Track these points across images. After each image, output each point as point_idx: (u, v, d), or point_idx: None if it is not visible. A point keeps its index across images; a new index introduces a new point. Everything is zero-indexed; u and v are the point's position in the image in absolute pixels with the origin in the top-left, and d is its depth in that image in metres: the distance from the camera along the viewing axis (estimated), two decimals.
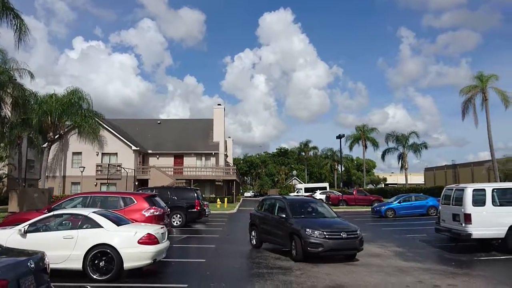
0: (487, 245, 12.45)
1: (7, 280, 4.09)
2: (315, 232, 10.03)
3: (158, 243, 8.55)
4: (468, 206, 11.76)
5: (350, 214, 27.66)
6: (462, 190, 12.23)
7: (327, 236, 10.01)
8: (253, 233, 13.15)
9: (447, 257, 11.43)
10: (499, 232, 11.61)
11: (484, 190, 12.00)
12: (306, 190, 59.69)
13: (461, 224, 11.91)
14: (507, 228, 11.54)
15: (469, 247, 12.66)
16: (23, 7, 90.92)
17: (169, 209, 15.13)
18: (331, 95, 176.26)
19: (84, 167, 39.18)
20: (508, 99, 36.29)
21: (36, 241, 8.03)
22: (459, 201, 12.17)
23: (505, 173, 42.12)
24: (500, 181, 35.54)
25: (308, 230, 10.10)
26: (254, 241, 12.95)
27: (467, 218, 11.68)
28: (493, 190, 12.03)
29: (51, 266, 5.55)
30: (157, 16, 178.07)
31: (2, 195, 39.77)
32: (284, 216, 11.28)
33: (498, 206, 11.84)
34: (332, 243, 10.04)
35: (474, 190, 12.00)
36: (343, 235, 10.22)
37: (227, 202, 38.08)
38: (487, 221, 11.60)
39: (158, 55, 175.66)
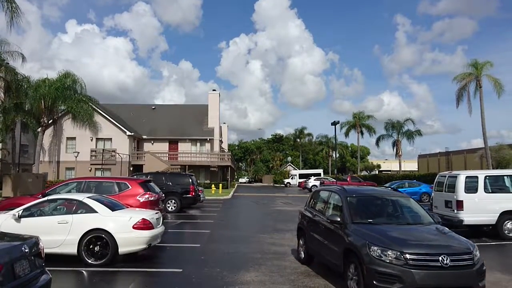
0: (478, 231, 12.63)
1: (1, 264, 4.09)
2: (388, 253, 5.71)
3: (153, 228, 8.59)
4: (461, 193, 11.91)
5: None
6: (455, 177, 12.37)
7: (410, 262, 5.59)
8: (301, 241, 9.01)
9: None
10: (491, 218, 11.80)
11: (476, 177, 12.14)
12: (301, 176, 59.97)
13: (453, 210, 12.07)
14: (498, 214, 11.73)
15: (461, 233, 12.79)
16: None
17: (163, 195, 15.17)
18: (327, 81, 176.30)
19: (78, 152, 39.04)
20: (502, 87, 36.35)
21: (30, 226, 8.04)
22: (452, 188, 12.33)
23: (497, 161, 42.46)
24: (493, 169, 35.88)
25: (374, 248, 5.82)
26: (301, 254, 8.83)
27: (459, 204, 11.84)
28: (485, 177, 12.18)
29: (46, 251, 5.55)
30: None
31: None
32: (338, 219, 6.94)
33: (490, 193, 12.03)
34: (421, 276, 5.52)
35: (466, 177, 12.15)
36: (444, 261, 5.62)
37: (222, 188, 38.22)
38: (478, 208, 11.77)
39: (153, 39, 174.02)
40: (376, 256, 5.75)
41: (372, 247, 5.85)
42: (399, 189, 26.96)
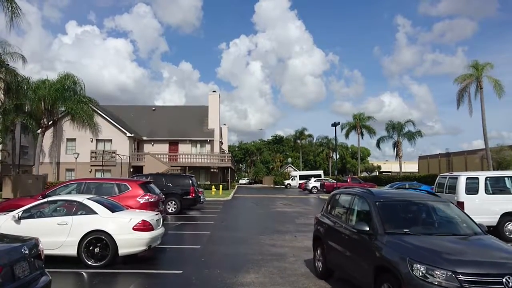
0: None
1: (1, 266, 4.08)
2: (436, 273, 4.58)
3: (153, 229, 8.57)
4: (461, 194, 11.90)
5: None
6: (456, 178, 12.36)
7: (465, 285, 4.46)
8: (318, 252, 7.83)
9: None
10: (491, 220, 11.77)
11: (477, 178, 12.14)
12: (301, 177, 59.96)
13: None
14: (499, 216, 11.71)
15: None
16: None
17: (164, 196, 15.15)
18: (327, 82, 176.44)
19: (79, 154, 38.99)
20: (502, 88, 36.41)
21: (30, 227, 8.03)
22: (453, 189, 12.32)
23: (498, 162, 42.45)
24: (493, 170, 35.86)
25: (417, 265, 4.71)
26: (319, 266, 7.64)
27: (460, 206, 11.79)
28: (486, 178, 12.17)
29: (46, 252, 5.54)
30: (153, 1, 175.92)
31: None
32: (366, 229, 5.79)
33: (491, 194, 12.02)
34: None
35: (467, 178, 12.15)
36: (510, 283, 4.47)
37: (222, 189, 38.20)
38: (479, 209, 11.73)
39: (154, 41, 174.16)
40: (420, 276, 4.62)
41: (414, 264, 4.71)
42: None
